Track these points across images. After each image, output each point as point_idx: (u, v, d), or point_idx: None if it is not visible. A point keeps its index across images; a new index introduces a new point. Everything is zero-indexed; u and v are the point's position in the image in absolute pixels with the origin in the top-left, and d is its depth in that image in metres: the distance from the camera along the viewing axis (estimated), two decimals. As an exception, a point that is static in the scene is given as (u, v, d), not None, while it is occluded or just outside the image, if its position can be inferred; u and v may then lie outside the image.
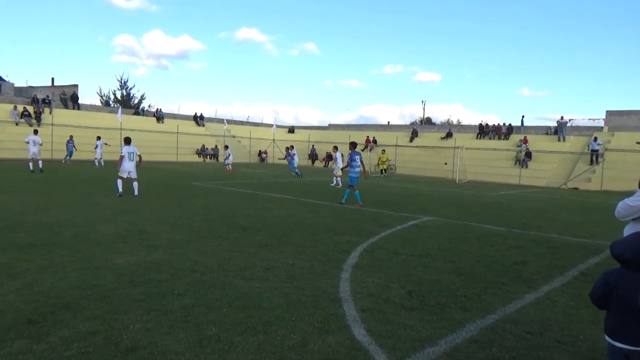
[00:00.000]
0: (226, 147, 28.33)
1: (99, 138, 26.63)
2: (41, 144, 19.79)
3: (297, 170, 24.88)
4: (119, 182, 12.26)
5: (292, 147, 29.41)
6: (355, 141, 13.87)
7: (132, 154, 12.42)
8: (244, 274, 5.40)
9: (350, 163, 12.83)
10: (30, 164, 18.93)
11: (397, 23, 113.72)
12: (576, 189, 25.16)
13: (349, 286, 5.14)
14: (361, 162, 12.88)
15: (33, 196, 11.55)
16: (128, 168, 12.35)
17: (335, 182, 19.53)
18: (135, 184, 12.45)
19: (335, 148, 20.76)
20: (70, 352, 3.27)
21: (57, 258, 5.74)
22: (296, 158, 26.46)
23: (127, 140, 12.79)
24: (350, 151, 13.05)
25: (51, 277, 4.96)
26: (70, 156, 25.70)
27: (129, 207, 10.32)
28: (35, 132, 20.37)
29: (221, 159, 35.02)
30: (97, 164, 25.56)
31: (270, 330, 3.81)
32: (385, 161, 31.30)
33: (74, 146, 25.73)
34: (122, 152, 12.44)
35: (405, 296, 4.89)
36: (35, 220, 8.26)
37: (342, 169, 17.18)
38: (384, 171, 30.85)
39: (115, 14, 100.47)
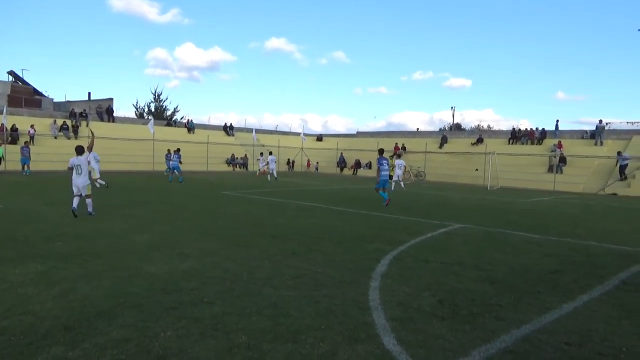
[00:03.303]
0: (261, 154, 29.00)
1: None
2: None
3: (172, 173, 22.81)
4: (75, 199, 10.18)
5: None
6: (383, 148, 15.13)
7: (78, 167, 10.23)
8: (273, 282, 5.42)
9: (379, 167, 14.11)
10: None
11: (427, 29, 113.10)
12: (615, 194, 24.25)
13: (378, 294, 5.08)
14: (388, 166, 14.42)
15: (69, 207, 11.90)
16: (76, 183, 10.22)
17: (403, 185, 21.69)
18: (89, 201, 10.38)
19: (399, 155, 22.82)
20: (104, 359, 3.34)
21: (92, 267, 5.90)
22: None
23: (76, 150, 10.46)
24: (378, 157, 14.39)
25: (87, 286, 5.09)
26: (173, 171, 22.99)
27: (161, 217, 10.53)
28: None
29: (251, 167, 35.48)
30: None
31: (300, 339, 3.79)
32: (392, 167, 31.11)
33: (179, 161, 22.77)
34: (69, 164, 10.40)
35: (437, 305, 4.79)
36: (72, 230, 8.52)
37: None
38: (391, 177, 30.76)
39: (148, 28, 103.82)
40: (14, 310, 4.27)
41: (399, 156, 22.75)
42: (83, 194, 10.32)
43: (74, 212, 9.95)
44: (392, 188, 21.14)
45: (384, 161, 14.08)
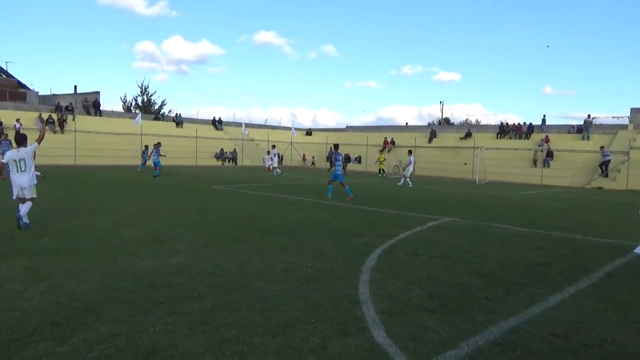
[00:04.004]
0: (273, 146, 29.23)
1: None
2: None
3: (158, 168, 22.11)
4: (20, 206, 8.01)
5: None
6: (338, 143, 15.88)
7: (21, 162, 7.90)
8: (263, 277, 5.41)
9: (335, 162, 14.82)
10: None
11: (417, 23, 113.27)
12: (600, 188, 24.59)
13: (368, 288, 5.10)
14: (343, 161, 14.95)
15: (56, 202, 11.79)
16: (18, 183, 7.93)
17: (402, 182, 21.83)
18: (27, 206, 7.98)
19: (410, 152, 22.89)
20: (92, 354, 3.32)
21: (80, 262, 5.84)
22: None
23: (17, 140, 8.18)
24: (334, 152, 15.03)
25: (75, 281, 5.04)
26: (142, 165, 23.18)
27: (150, 212, 10.46)
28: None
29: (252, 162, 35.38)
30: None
31: (290, 332, 3.80)
32: (383, 161, 31.31)
33: (159, 154, 22.46)
34: (3, 159, 8.27)
35: (426, 298, 4.83)
36: (59, 225, 8.42)
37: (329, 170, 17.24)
38: (382, 171, 30.84)
39: (136, 21, 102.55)
40: (0, 306, 4.21)
41: (410, 152, 22.83)
42: (27, 196, 7.99)
43: (19, 223, 7.77)
44: (401, 183, 21.55)
45: (340, 156, 14.73)
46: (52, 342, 3.50)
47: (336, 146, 15.30)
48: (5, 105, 33.34)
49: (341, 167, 14.77)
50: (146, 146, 25.05)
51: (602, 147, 27.15)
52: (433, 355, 3.48)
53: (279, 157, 28.49)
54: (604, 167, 26.27)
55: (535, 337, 3.89)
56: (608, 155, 26.30)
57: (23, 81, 42.64)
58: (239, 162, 38.27)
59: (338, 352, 3.48)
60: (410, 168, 22.34)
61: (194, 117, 45.65)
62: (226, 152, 38.72)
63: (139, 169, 25.00)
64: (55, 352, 3.33)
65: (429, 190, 19.89)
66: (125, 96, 57.20)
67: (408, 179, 22.05)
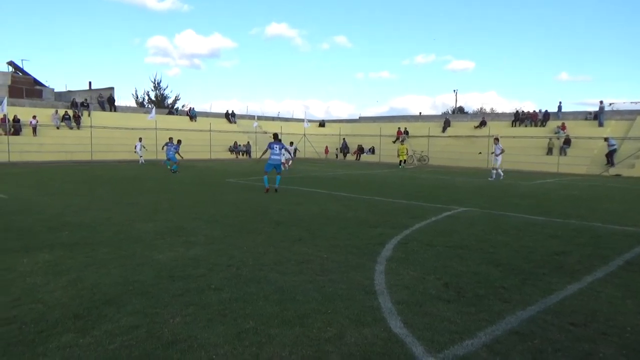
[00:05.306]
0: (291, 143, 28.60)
1: (140, 139, 28.47)
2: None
3: (172, 164, 21.23)
4: None
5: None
6: (277, 133, 15.53)
7: None
8: (279, 268, 5.45)
9: (270, 151, 14.18)
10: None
11: (429, 12, 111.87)
12: (619, 175, 24.16)
13: (384, 279, 5.11)
14: (285, 149, 14.69)
15: (74, 197, 11.98)
16: None
17: (495, 177, 19.85)
18: None
19: (497, 140, 20.68)
20: (114, 345, 3.39)
21: (99, 255, 5.94)
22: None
23: None
24: (271, 141, 14.48)
25: (94, 274, 5.14)
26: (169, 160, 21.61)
27: (165, 205, 10.57)
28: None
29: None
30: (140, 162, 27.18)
31: (307, 323, 3.83)
32: (405, 153, 31.01)
33: (176, 151, 21.39)
34: None
35: (442, 288, 4.82)
36: (77, 219, 8.57)
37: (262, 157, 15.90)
38: (402, 162, 30.54)
39: (147, 16, 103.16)
40: (24, 299, 4.32)
41: (497, 140, 20.46)
42: None
43: None
44: (493, 178, 19.76)
45: (276, 145, 14.19)
46: (75, 333, 3.58)
47: (275, 135, 14.93)
48: (22, 102, 33.84)
49: (279, 157, 14.15)
50: (170, 138, 23.96)
51: (606, 138, 26.53)
52: (450, 345, 3.48)
53: (286, 151, 27.58)
54: (610, 156, 25.75)
55: (554, 326, 3.87)
56: (613, 145, 25.76)
57: (39, 78, 43.22)
58: (253, 155, 38.38)
59: (355, 342, 3.51)
60: (500, 159, 20.00)
61: (208, 110, 45.88)
62: (240, 145, 38.84)
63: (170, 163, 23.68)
64: (78, 344, 3.41)
65: (444, 179, 19.75)
66: (136, 92, 57.60)
67: (500, 170, 20.07)
